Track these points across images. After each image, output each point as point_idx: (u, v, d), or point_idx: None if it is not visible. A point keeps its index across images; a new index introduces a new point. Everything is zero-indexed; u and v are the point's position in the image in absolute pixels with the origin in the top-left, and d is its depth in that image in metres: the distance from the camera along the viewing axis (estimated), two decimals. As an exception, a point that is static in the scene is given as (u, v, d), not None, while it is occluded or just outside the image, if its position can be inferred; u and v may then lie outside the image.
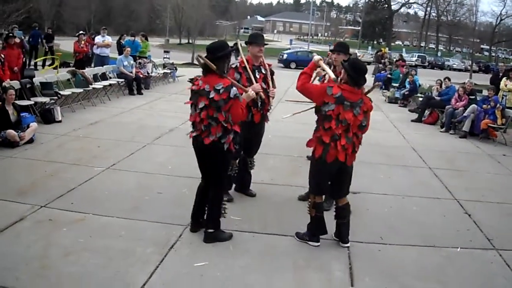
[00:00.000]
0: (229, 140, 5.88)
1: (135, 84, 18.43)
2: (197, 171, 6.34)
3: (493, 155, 12.28)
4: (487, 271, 5.93)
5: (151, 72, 20.87)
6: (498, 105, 14.12)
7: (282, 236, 6.44)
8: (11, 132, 9.82)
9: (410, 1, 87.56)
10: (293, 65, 40.36)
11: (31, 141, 10.25)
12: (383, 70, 26.83)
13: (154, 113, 14.82)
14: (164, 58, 26.63)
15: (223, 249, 5.98)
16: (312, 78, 6.72)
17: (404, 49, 73.46)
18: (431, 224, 7.25)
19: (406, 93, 20.56)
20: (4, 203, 6.98)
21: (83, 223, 6.51)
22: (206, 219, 6.22)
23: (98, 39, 21.14)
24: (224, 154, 5.95)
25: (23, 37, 20.46)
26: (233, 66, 6.94)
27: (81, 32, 23.54)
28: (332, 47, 8.45)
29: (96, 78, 16.98)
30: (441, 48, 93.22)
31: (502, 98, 15.71)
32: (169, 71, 23.41)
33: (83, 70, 16.80)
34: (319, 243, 6.19)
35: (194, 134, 5.97)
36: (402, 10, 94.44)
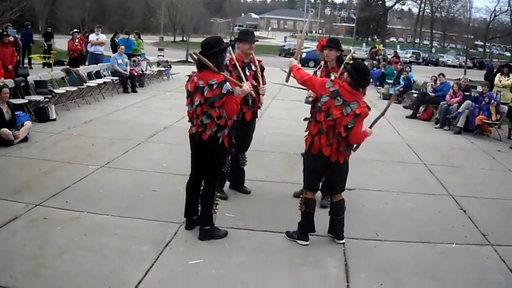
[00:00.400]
0: (224, 134, 5.90)
1: (130, 82, 18.39)
2: (193, 169, 6.33)
3: (488, 151, 12.31)
4: (482, 267, 5.94)
5: (146, 70, 20.86)
6: (492, 101, 14.13)
7: (277, 233, 6.44)
8: (5, 130, 9.79)
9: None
10: (311, 63, 40.27)
11: (25, 139, 10.23)
12: (377, 67, 26.82)
13: (148, 111, 14.80)
14: (158, 56, 26.60)
15: (218, 247, 5.98)
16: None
17: (398, 46, 73.47)
18: (426, 220, 7.25)
19: (400, 89, 20.56)
20: (-1, 202, 6.96)
21: (78, 221, 6.49)
22: (199, 216, 6.23)
23: (92, 37, 21.10)
24: (221, 149, 5.97)
25: (17, 36, 20.38)
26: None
27: (75, 30, 23.49)
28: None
29: (90, 76, 16.93)
30: (436, 45, 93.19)
31: (497, 94, 15.71)
32: (163, 68, 23.37)
33: (77, 68, 16.77)
34: (308, 242, 6.17)
35: (193, 130, 5.99)
36: (396, 6, 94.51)
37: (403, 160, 10.67)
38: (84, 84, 15.68)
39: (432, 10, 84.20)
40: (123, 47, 19.10)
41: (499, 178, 9.97)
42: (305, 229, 6.20)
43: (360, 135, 5.99)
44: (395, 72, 23.21)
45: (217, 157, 6.07)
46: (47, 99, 13.13)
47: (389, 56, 31.20)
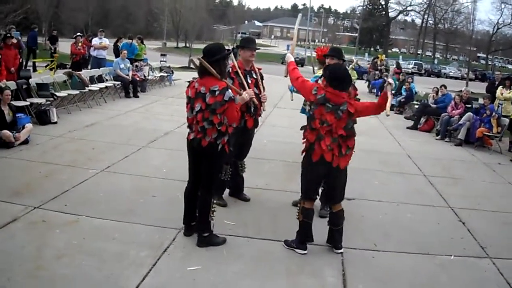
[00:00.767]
0: (224, 141, 5.90)
1: (132, 87, 18.39)
2: (192, 175, 6.33)
3: (488, 163, 12.30)
4: (480, 279, 5.93)
5: (148, 75, 20.88)
6: (493, 113, 14.14)
7: (276, 241, 6.43)
8: (6, 132, 9.80)
9: (408, 9, 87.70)
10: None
11: (26, 142, 10.23)
12: (379, 77, 26.89)
13: (150, 116, 14.82)
14: (161, 61, 26.68)
15: (217, 254, 5.97)
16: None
17: (401, 56, 73.50)
18: (425, 231, 7.24)
19: (402, 100, 20.61)
20: (-2, 204, 6.96)
21: (77, 225, 6.49)
22: (196, 222, 6.23)
23: (95, 41, 21.11)
24: (219, 156, 5.98)
25: (20, 38, 20.42)
26: None
27: (78, 34, 23.49)
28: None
29: (92, 80, 16.95)
30: (438, 56, 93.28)
31: (498, 106, 15.76)
32: (165, 74, 23.40)
33: (80, 72, 16.79)
34: (306, 251, 6.17)
35: (191, 136, 5.98)
36: (399, 17, 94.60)
37: (403, 171, 10.67)
38: (86, 88, 15.71)
39: (435, 21, 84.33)
40: (125, 51, 19.11)
41: (499, 190, 9.96)
42: (303, 238, 6.19)
43: (373, 107, 6.02)
44: (397, 82, 23.24)
45: (215, 163, 6.07)
46: (48, 102, 13.14)
47: (391, 67, 31.21)
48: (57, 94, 14.05)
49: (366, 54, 77.42)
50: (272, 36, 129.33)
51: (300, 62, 42.05)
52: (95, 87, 16.37)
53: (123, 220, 6.74)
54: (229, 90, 5.74)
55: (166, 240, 6.19)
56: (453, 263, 6.29)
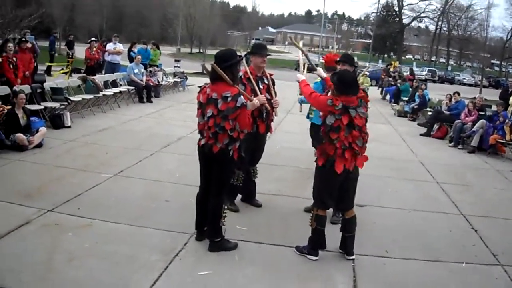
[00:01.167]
0: (235, 147, 5.91)
1: (145, 92, 18.50)
2: (205, 180, 6.34)
3: (501, 170, 12.23)
4: (492, 287, 5.91)
5: (162, 81, 20.96)
6: (507, 120, 14.07)
7: (287, 247, 6.43)
8: (20, 136, 9.88)
9: (421, 15, 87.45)
10: (373, 82, 40.26)
11: (39, 145, 10.31)
12: (393, 84, 26.85)
13: (163, 121, 14.88)
14: (174, 67, 26.77)
15: (228, 259, 5.98)
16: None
17: (414, 63, 73.33)
18: (437, 238, 7.21)
19: (415, 107, 20.56)
20: (11, 206, 7.02)
21: (89, 228, 6.53)
22: (208, 228, 6.24)
23: (109, 46, 21.26)
24: (230, 162, 5.98)
25: (35, 42, 20.56)
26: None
27: (92, 39, 23.65)
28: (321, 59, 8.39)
29: (106, 85, 17.08)
30: (452, 63, 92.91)
31: (511, 113, 15.66)
32: (179, 80, 23.51)
33: (94, 77, 16.89)
34: (317, 258, 6.16)
35: (202, 142, 5.99)
36: (413, 24, 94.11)
37: (415, 178, 10.63)
38: (100, 92, 15.81)
39: (449, 28, 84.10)
40: (139, 57, 19.22)
41: (512, 198, 9.90)
42: (315, 246, 6.19)
43: None
44: (410, 89, 23.21)
45: (227, 169, 6.08)
46: (62, 106, 13.23)
47: (405, 73, 31.12)
48: (71, 98, 14.14)
49: (380, 61, 77.17)
50: (286, 42, 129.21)
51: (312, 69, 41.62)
52: (109, 92, 16.47)
53: (135, 224, 6.77)
54: (241, 96, 5.74)
55: (177, 245, 6.21)
56: (465, 270, 6.26)
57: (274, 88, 7.38)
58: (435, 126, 16.70)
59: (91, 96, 15.19)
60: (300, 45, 7.69)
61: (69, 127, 12.55)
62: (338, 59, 7.77)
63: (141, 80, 18.45)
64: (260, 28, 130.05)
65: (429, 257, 6.52)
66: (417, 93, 21.16)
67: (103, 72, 21.06)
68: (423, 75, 55.02)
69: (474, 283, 5.96)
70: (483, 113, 15.70)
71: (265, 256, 6.17)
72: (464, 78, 64.79)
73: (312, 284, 5.60)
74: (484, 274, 6.21)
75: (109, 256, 5.78)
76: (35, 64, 16.27)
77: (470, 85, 59.24)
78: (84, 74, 18.10)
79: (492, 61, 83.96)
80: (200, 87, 6.09)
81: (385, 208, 8.42)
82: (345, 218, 6.28)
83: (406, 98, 22.50)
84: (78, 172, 8.91)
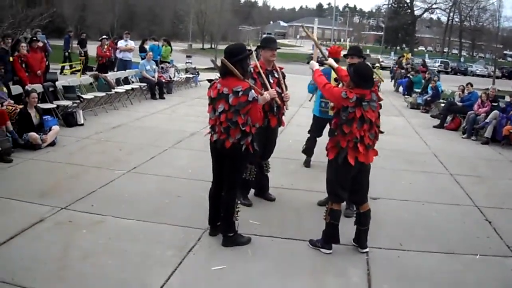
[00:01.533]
0: (248, 142, 5.90)
1: (157, 89, 18.55)
2: (218, 176, 6.35)
3: (515, 161, 12.15)
4: (506, 279, 5.86)
5: (174, 77, 21.00)
6: (520, 111, 13.99)
7: (301, 241, 6.43)
8: (34, 134, 9.93)
9: (433, 6, 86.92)
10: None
11: (53, 144, 10.37)
12: (405, 76, 26.73)
13: (175, 117, 14.91)
14: (186, 62, 26.75)
15: (242, 253, 5.99)
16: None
17: (427, 55, 72.88)
18: (450, 230, 7.18)
19: (428, 98, 20.46)
20: (25, 204, 7.06)
21: (103, 225, 6.56)
22: (221, 223, 6.24)
23: (121, 43, 21.30)
24: (242, 156, 5.97)
25: (46, 41, 20.64)
26: None
27: (104, 36, 23.68)
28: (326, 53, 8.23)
29: (118, 82, 17.14)
30: (464, 54, 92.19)
31: (525, 104, 15.55)
32: (191, 75, 23.55)
33: (106, 74, 16.94)
34: (331, 251, 6.15)
35: (214, 137, 5.99)
36: (425, 15, 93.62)
37: (429, 170, 10.57)
38: (112, 90, 15.85)
39: (461, 19, 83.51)
40: (151, 53, 19.28)
41: (526, 189, 9.83)
42: (329, 239, 6.18)
43: None
44: (423, 81, 23.10)
45: (239, 164, 6.08)
46: (75, 104, 13.28)
47: (417, 65, 30.98)
48: (84, 96, 14.20)
49: (392, 53, 76.80)
50: (298, 36, 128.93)
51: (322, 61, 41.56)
52: (121, 89, 16.54)
53: (148, 220, 6.79)
54: (252, 91, 5.73)
55: (191, 240, 6.22)
56: (479, 262, 6.22)
57: (284, 81, 7.37)
58: (448, 118, 16.60)
59: (104, 94, 15.25)
60: (314, 35, 7.65)
61: (82, 125, 12.61)
62: (345, 52, 7.77)
63: (153, 77, 18.49)
64: (271, 22, 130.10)
65: (443, 250, 6.49)
66: (430, 85, 21.06)
67: (115, 69, 21.14)
68: (435, 67, 54.67)
69: (488, 275, 5.92)
70: (496, 104, 15.58)
71: (279, 250, 6.17)
72: (477, 69, 64.37)
73: (326, 277, 5.60)
74: (499, 266, 6.17)
75: (123, 252, 5.80)
76: (46, 63, 16.32)
77: (483, 76, 58.89)
78: (96, 72, 18.15)
79: (505, 52, 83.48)
80: (209, 80, 6.09)
81: (398, 201, 8.38)
82: (360, 212, 6.27)
83: (419, 90, 22.40)
84: (92, 169, 8.96)
